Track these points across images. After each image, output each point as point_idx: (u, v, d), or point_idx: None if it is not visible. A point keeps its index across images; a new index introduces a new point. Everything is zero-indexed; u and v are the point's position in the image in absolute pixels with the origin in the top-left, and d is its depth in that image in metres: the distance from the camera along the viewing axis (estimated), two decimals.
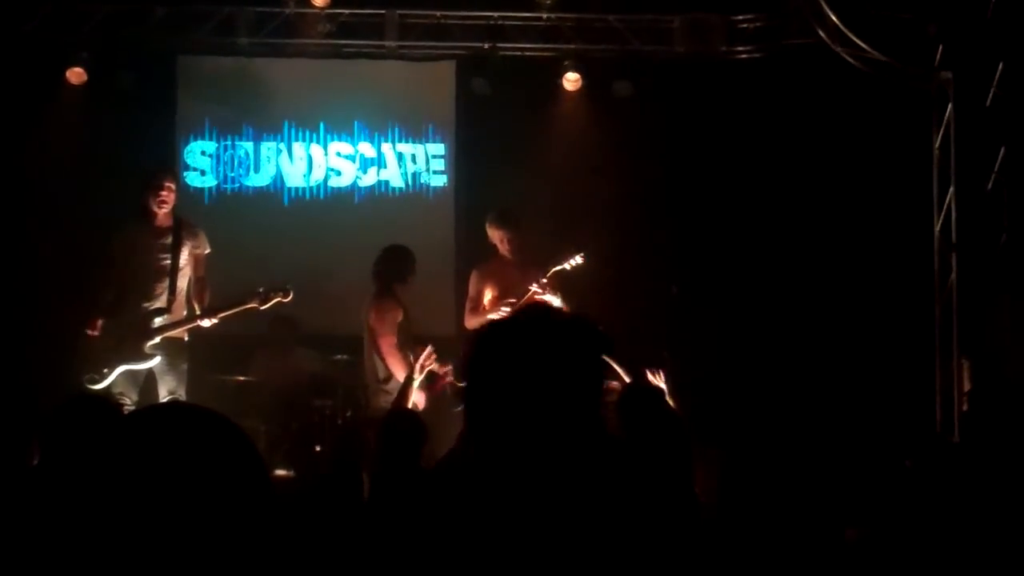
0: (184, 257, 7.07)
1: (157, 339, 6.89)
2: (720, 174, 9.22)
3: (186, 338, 7.10)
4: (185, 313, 7.11)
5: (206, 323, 7.04)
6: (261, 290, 7.07)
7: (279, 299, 7.09)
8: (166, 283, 6.97)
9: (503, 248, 7.63)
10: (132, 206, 7.43)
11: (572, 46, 9.42)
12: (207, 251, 7.26)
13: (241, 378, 7.99)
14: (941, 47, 8.24)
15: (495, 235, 7.66)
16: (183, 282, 7.08)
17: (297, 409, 7.68)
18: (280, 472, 6.79)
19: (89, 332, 6.86)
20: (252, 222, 9.39)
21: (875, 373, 8.49)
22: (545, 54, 9.51)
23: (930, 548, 3.59)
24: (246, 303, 7.08)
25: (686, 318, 8.36)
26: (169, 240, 7.04)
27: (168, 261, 6.99)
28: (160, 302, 6.96)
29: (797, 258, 9.06)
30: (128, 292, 7.04)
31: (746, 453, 4.96)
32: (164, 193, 7.04)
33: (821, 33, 8.57)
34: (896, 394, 8.28)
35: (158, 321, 6.93)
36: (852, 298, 8.86)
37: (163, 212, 7.05)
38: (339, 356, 8.25)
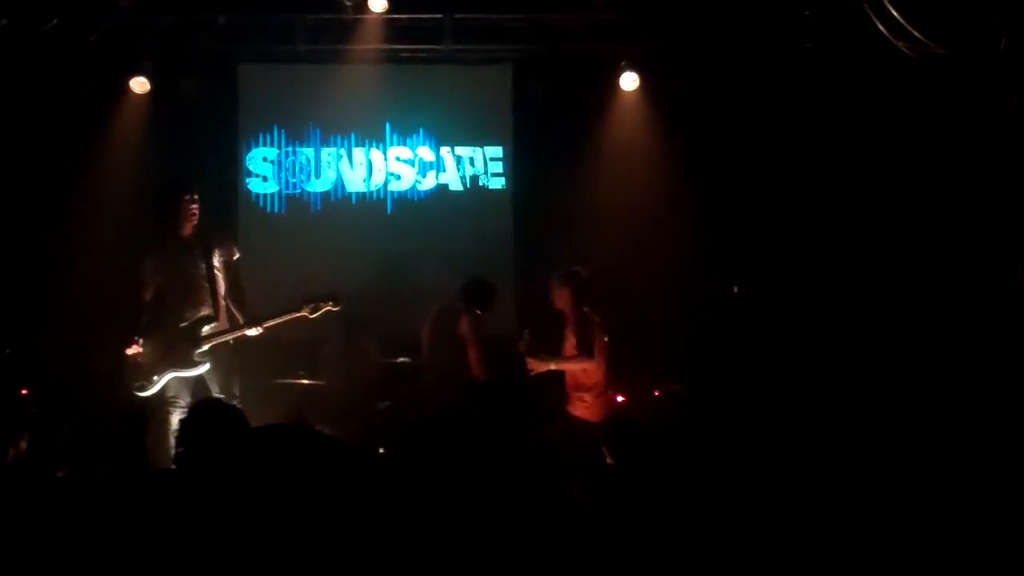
0: (216, 264, 7.14)
1: (205, 347, 6.97)
2: (783, 171, 9.10)
3: (231, 342, 7.14)
4: (229, 320, 7.17)
5: (253, 332, 7.09)
6: (311, 299, 7.09)
7: (328, 308, 7.11)
8: (206, 291, 7.04)
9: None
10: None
11: (629, 45, 9.37)
12: (236, 256, 7.31)
13: (305, 381, 8.06)
14: (1004, 39, 8.08)
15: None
16: (222, 288, 7.14)
17: (360, 412, 7.76)
18: None
19: (128, 352, 6.96)
20: (313, 227, 9.51)
21: (958, 376, 8.23)
22: (602, 54, 9.46)
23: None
24: (295, 312, 7.11)
25: (749, 318, 8.28)
26: (199, 250, 7.10)
27: (203, 270, 7.05)
28: (205, 310, 7.04)
29: (868, 256, 8.87)
30: (170, 306, 7.10)
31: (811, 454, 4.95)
32: (192, 208, 7.10)
33: (881, 28, 8.44)
34: (982, 395, 8.05)
35: (206, 329, 7.00)
36: (933, 300, 8.62)
37: (190, 227, 7.11)
38: (402, 359, 8.29)
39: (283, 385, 8.01)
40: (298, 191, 9.64)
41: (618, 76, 9.38)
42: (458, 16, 9.37)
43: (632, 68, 9.33)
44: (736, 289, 8.18)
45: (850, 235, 8.94)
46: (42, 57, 9.08)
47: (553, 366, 7.38)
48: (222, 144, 9.55)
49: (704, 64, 9.34)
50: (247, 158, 9.59)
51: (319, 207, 9.62)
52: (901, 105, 8.78)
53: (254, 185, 9.58)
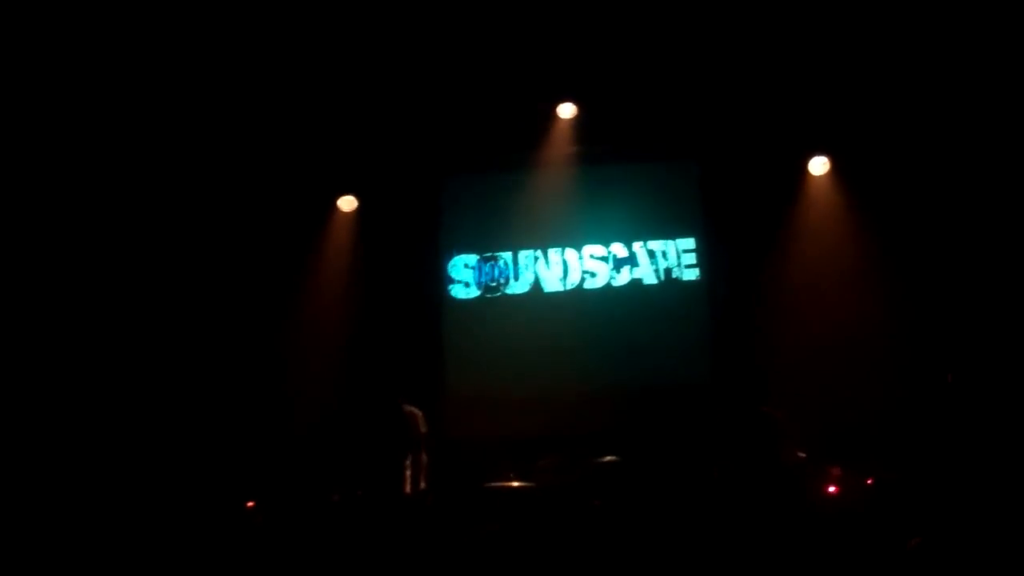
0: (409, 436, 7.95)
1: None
2: (990, 251, 8.78)
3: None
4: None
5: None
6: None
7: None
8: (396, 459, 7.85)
9: None
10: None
11: (817, 130, 9.35)
12: (424, 431, 8.03)
13: (516, 484, 8.25)
14: None
15: None
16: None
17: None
18: None
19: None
20: (514, 328, 9.78)
21: None
22: (789, 140, 9.47)
23: None
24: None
25: (964, 407, 8.03)
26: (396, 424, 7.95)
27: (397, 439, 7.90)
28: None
29: None
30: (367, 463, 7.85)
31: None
32: None
33: None
34: None
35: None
36: None
37: None
38: (608, 457, 8.39)
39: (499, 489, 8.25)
40: (498, 294, 9.97)
41: (807, 161, 9.38)
42: (643, 115, 9.57)
43: (821, 152, 9.31)
44: (951, 378, 7.97)
45: None
46: (253, 180, 9.67)
47: None
48: (426, 253, 9.98)
49: (895, 144, 9.19)
50: (449, 266, 10.01)
51: (519, 309, 9.91)
52: None
53: (456, 291, 9.97)
